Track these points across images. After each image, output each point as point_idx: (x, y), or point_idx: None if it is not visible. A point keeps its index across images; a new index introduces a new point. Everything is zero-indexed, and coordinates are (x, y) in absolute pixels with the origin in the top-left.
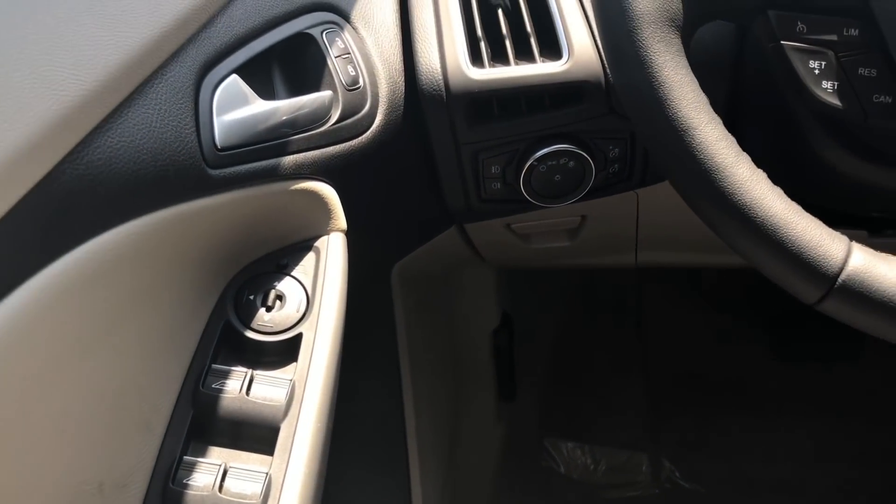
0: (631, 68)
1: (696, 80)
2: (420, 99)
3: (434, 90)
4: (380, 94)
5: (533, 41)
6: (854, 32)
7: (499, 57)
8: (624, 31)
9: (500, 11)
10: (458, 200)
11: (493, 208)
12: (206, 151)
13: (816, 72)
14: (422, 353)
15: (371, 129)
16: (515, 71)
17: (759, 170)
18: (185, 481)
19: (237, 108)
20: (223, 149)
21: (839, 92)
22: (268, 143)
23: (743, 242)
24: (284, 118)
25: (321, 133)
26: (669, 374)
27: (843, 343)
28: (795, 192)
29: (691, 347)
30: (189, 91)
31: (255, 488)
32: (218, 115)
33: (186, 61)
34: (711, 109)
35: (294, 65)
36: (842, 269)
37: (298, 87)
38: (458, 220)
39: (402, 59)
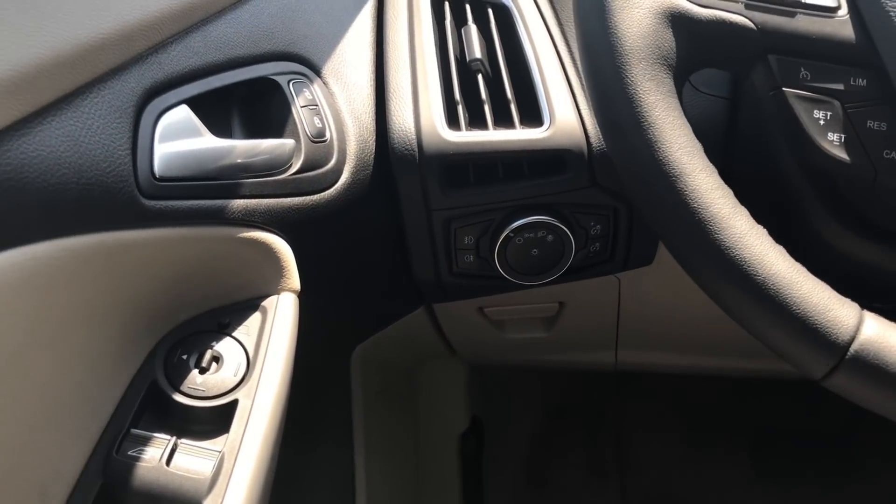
0: (618, 107)
1: (688, 124)
2: (391, 160)
3: (406, 150)
4: (348, 151)
5: (513, 107)
6: (862, 83)
7: (476, 122)
8: (611, 68)
9: (479, 76)
10: (428, 273)
11: (465, 285)
12: (142, 179)
13: (822, 122)
14: (379, 450)
15: (336, 186)
16: (494, 135)
17: (759, 225)
18: None
19: (184, 138)
20: (162, 178)
21: (846, 145)
22: (214, 180)
23: (740, 305)
24: (238, 160)
25: (279, 181)
26: (647, 493)
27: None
28: None
29: (671, 467)
30: (129, 111)
31: None
32: (160, 142)
33: (130, 81)
34: (706, 157)
35: (255, 110)
36: (853, 337)
37: (257, 132)
38: (428, 298)
39: (374, 118)
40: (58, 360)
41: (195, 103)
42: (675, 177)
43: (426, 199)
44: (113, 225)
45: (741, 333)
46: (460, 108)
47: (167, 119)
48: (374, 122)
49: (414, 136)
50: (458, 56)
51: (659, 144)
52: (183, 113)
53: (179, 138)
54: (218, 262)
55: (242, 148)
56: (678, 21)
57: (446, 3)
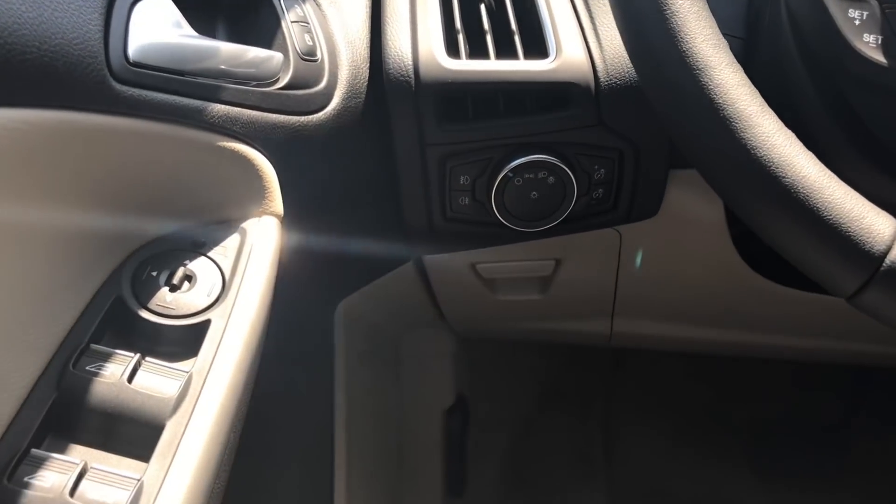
0: None
1: (713, 18)
2: (385, 88)
3: (402, 77)
4: (340, 76)
5: (517, 38)
6: None
7: (478, 53)
8: None
9: (482, 5)
10: (419, 217)
11: (458, 232)
12: (114, 60)
13: (857, 22)
14: (361, 418)
15: (325, 110)
16: (495, 65)
17: (787, 129)
18: (26, 479)
19: (164, 28)
20: (136, 64)
21: (883, 47)
22: (193, 77)
23: (765, 212)
24: (221, 64)
25: (264, 93)
26: (636, 489)
27: (826, 451)
28: None
29: (660, 458)
30: None
31: (120, 496)
32: (137, 25)
33: None
34: (732, 55)
35: (242, 18)
36: (890, 247)
37: (243, 42)
38: (418, 246)
39: (368, 47)
40: (9, 253)
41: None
42: (700, 70)
43: (421, 132)
44: (78, 104)
45: (743, 303)
46: (461, 37)
47: (145, 4)
48: (369, 50)
49: (410, 63)
50: None
51: (682, 35)
52: (164, 2)
53: (159, 26)
54: (194, 172)
55: (226, 51)
56: None
57: None
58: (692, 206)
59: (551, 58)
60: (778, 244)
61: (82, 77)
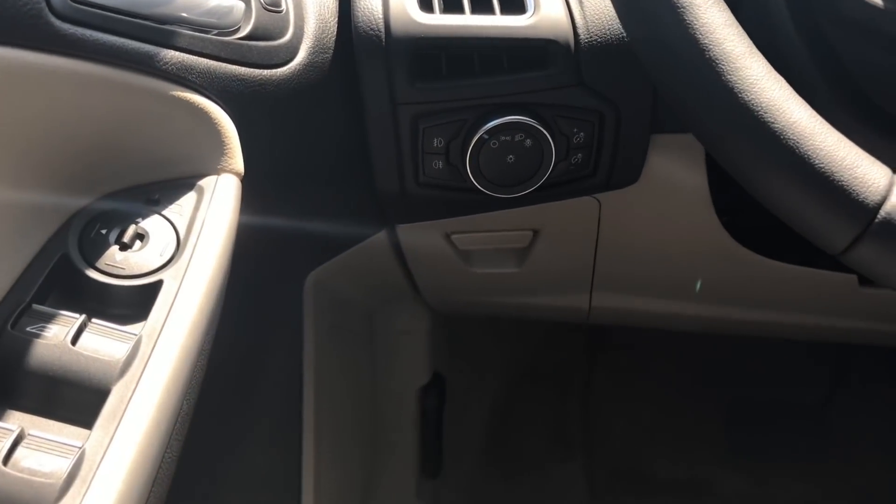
0: None
1: None
2: (354, 43)
3: (372, 31)
4: (306, 29)
5: None
6: None
7: (452, 8)
8: None
9: None
10: (391, 182)
11: (431, 198)
12: None
13: None
14: (331, 396)
15: (290, 64)
16: (470, 20)
17: (776, 73)
18: None
19: None
20: (79, 1)
21: None
22: (145, 20)
23: (752, 160)
24: (177, 6)
25: (223, 42)
26: (615, 466)
27: (806, 433)
28: None
29: (639, 439)
30: None
31: (60, 465)
32: None
33: None
34: None
35: None
36: (884, 198)
37: None
38: (391, 215)
39: (337, 1)
40: None
41: None
42: (684, 8)
43: (392, 90)
44: (14, 40)
45: (725, 276)
46: None
47: None
48: (338, 3)
49: (381, 17)
50: None
51: None
52: None
53: None
54: (147, 124)
55: None
56: None
57: None
58: (674, 172)
59: (529, 13)
60: (765, 195)
61: (17, 10)
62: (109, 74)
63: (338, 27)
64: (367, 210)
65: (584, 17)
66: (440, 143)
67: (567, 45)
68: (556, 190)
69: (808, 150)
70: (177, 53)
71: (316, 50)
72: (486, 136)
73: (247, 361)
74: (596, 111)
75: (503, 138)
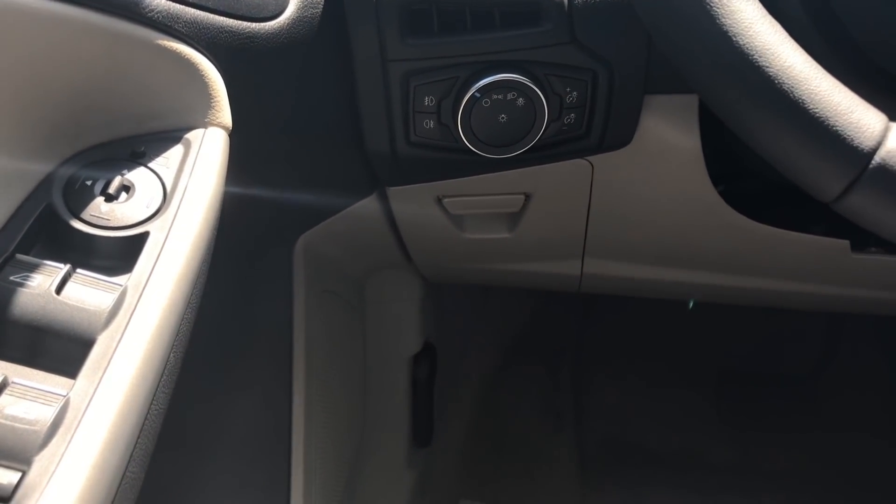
0: None
1: None
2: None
3: None
4: None
5: None
6: None
7: None
8: None
9: None
10: (381, 141)
11: (423, 159)
12: None
13: None
14: (321, 363)
15: (280, 18)
16: None
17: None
18: None
19: None
20: None
21: None
22: None
23: (745, 103)
24: None
25: None
26: (605, 437)
27: (795, 404)
28: None
29: (630, 410)
30: None
31: (44, 413)
32: None
33: None
34: None
35: None
36: (879, 144)
37: None
38: (381, 177)
39: None
40: None
41: None
42: None
43: (382, 47)
44: None
45: (718, 242)
46: None
47: None
48: None
49: None
50: None
51: None
52: None
53: None
54: (132, 73)
55: None
56: None
57: None
58: (667, 134)
59: None
60: (759, 141)
61: None
62: (93, 19)
63: None
64: (358, 172)
65: None
66: (431, 101)
67: (560, 2)
68: (549, 151)
69: (803, 94)
70: (164, 1)
71: (305, 4)
72: (477, 95)
73: (236, 323)
74: (589, 70)
75: (495, 97)
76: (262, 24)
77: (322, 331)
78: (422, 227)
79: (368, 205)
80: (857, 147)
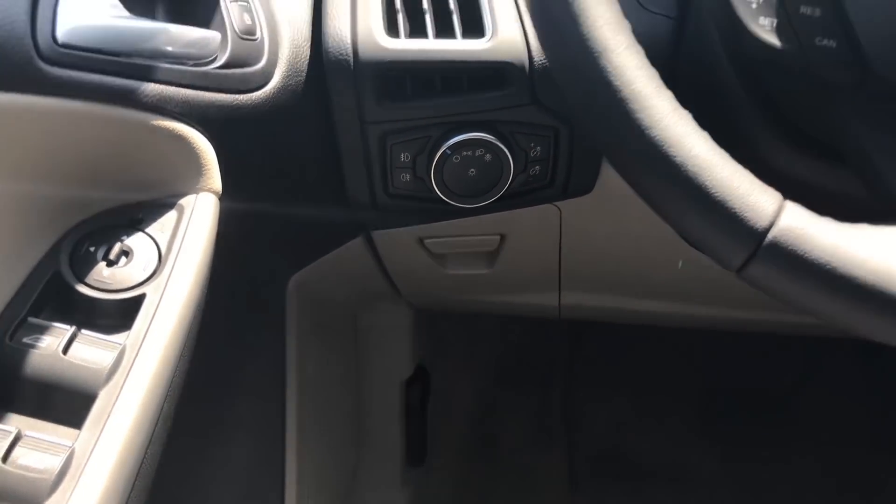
0: None
1: (617, 3)
2: (325, 67)
3: (341, 56)
4: (280, 55)
5: (455, 17)
6: None
7: (417, 32)
8: None
9: None
10: (363, 193)
11: (402, 207)
12: (41, 41)
13: (754, 6)
14: (314, 393)
15: (265, 88)
16: (433, 44)
17: (685, 109)
18: None
19: (96, 10)
20: (65, 45)
21: (778, 30)
22: (127, 58)
23: (657, 188)
24: (155, 44)
25: (200, 73)
26: (596, 454)
27: (778, 419)
28: None
29: (619, 426)
30: None
31: (52, 462)
32: (65, 8)
33: None
34: (633, 38)
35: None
36: (773, 223)
37: (182, 21)
38: (365, 223)
39: (310, 26)
40: None
41: None
42: (599, 53)
43: (360, 110)
44: (6, 86)
45: (680, 276)
46: (400, 17)
47: None
48: (311, 29)
49: (349, 42)
50: None
51: (583, 18)
52: None
53: (91, 8)
54: (130, 151)
55: (162, 32)
56: None
57: None
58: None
59: (487, 37)
60: (671, 220)
61: (7, 58)
62: (94, 110)
63: (311, 51)
64: (344, 219)
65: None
66: (407, 157)
67: (522, 67)
68: (517, 199)
69: (706, 180)
70: (157, 86)
71: (289, 74)
72: (448, 152)
73: (231, 360)
74: (551, 127)
75: (465, 153)
76: (250, 96)
77: (315, 362)
78: (406, 265)
79: (355, 246)
80: (752, 227)
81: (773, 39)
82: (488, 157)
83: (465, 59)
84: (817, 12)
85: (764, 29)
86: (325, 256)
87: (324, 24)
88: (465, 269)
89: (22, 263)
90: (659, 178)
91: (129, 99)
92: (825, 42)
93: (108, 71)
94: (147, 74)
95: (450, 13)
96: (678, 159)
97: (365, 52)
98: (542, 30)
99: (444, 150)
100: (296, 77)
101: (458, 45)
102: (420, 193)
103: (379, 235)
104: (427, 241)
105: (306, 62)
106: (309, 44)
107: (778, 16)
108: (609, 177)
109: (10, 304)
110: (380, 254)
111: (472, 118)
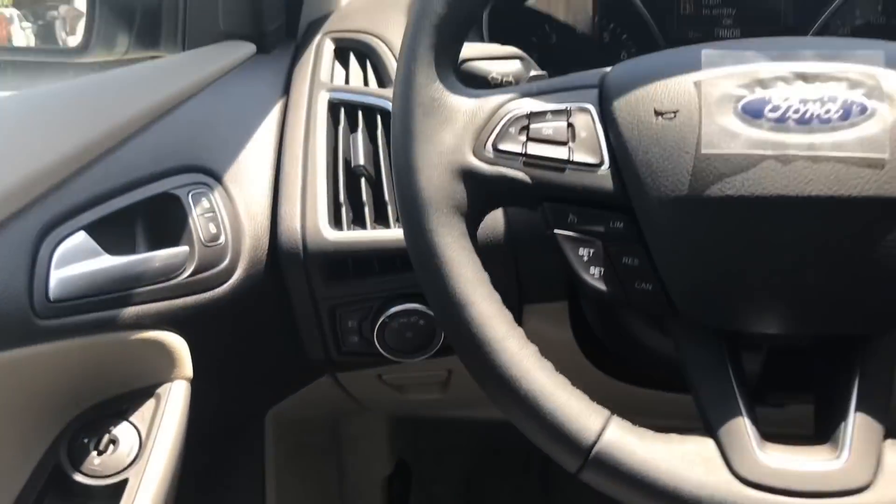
0: (421, 247)
1: (478, 259)
2: (279, 257)
3: (292, 249)
4: (242, 250)
5: (390, 209)
6: (619, 225)
7: (359, 221)
8: (416, 215)
9: (363, 179)
10: (319, 354)
11: (354, 361)
12: (37, 303)
13: (585, 259)
14: (295, 494)
15: (229, 282)
16: (369, 235)
17: (531, 344)
18: None
19: (81, 261)
20: (56, 300)
21: (605, 278)
22: (107, 294)
23: (512, 413)
24: (130, 273)
25: (171, 286)
26: None
27: None
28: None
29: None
30: (27, 247)
31: None
32: (56, 268)
33: (29, 220)
34: (491, 287)
35: (157, 222)
36: (596, 441)
37: (159, 243)
38: (328, 370)
39: (269, 217)
40: None
41: (97, 225)
42: (461, 306)
43: (311, 290)
44: (10, 345)
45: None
46: (343, 210)
47: (65, 246)
48: (270, 220)
49: (299, 236)
50: (348, 159)
51: (448, 279)
52: (79, 239)
53: (77, 262)
54: (113, 360)
55: (136, 262)
56: (468, 176)
57: (342, 109)
58: (545, 331)
59: None
60: (528, 436)
61: (11, 324)
62: (84, 342)
63: (269, 240)
64: (309, 366)
65: None
66: (353, 324)
67: None
68: (450, 351)
69: (545, 408)
70: (133, 308)
71: (251, 265)
72: (387, 320)
73: (213, 487)
74: None
75: (401, 320)
76: (215, 291)
77: (293, 480)
78: (370, 394)
79: (324, 382)
80: (580, 446)
81: (601, 286)
82: (421, 322)
83: (396, 247)
84: (636, 262)
85: (594, 277)
86: (298, 392)
87: (278, 221)
88: (422, 395)
89: (28, 461)
90: (512, 406)
91: (110, 326)
92: (643, 286)
93: (93, 309)
94: (125, 302)
95: (385, 204)
96: (523, 392)
97: (312, 244)
98: (423, 282)
99: (384, 319)
100: (256, 266)
101: (391, 235)
102: (368, 350)
103: (341, 376)
104: (385, 377)
105: (265, 252)
106: (268, 235)
107: (605, 265)
108: (530, 327)
109: (20, 497)
110: (345, 386)
111: (405, 291)
